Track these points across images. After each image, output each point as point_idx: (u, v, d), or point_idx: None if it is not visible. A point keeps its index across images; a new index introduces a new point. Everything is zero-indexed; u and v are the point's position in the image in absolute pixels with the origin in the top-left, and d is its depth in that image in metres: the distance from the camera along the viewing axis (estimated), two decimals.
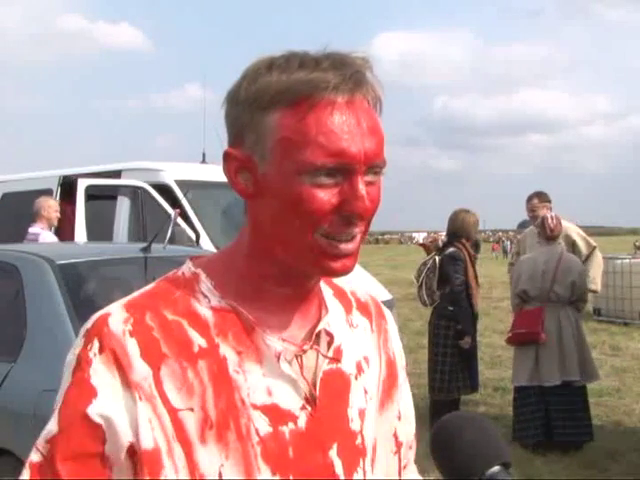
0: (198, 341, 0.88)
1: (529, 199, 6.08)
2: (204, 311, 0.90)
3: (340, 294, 1.05)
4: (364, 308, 1.07)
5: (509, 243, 48.41)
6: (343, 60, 0.86)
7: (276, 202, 0.86)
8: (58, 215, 6.40)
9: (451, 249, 5.75)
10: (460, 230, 5.79)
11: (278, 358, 0.90)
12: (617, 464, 4.89)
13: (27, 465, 0.86)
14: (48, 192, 7.85)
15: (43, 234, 6.13)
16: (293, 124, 0.84)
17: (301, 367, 0.92)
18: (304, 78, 0.84)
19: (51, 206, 6.34)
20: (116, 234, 7.47)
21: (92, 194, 7.44)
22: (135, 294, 0.92)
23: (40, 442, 0.86)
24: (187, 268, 0.95)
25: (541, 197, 6.10)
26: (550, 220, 5.21)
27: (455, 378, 5.67)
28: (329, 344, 0.96)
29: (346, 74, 0.85)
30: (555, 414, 5.08)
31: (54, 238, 6.30)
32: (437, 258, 5.83)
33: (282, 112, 0.85)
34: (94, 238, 6.90)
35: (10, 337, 3.40)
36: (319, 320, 0.96)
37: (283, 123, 0.85)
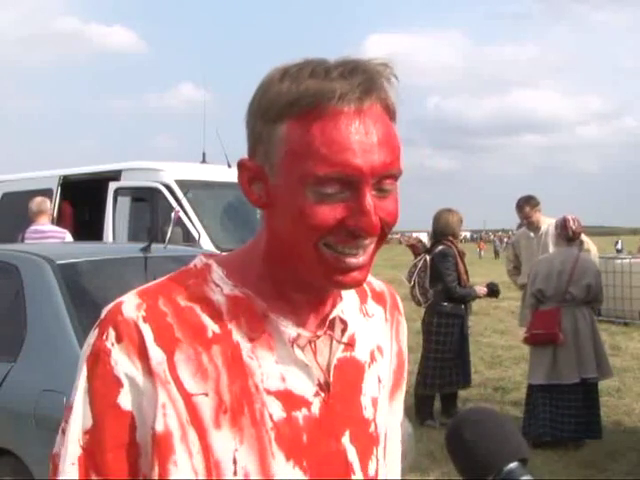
0: (212, 327, 0.89)
1: (520, 207, 6.24)
2: (217, 297, 0.90)
3: None
4: (379, 297, 1.07)
5: (500, 243, 48.50)
6: (356, 68, 0.84)
7: (285, 214, 0.86)
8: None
9: (440, 247, 5.92)
10: (445, 229, 5.96)
11: (292, 344, 0.90)
12: (617, 464, 4.89)
13: (75, 460, 0.84)
14: (48, 192, 7.86)
15: (68, 236, 6.11)
16: (299, 136, 0.83)
17: (314, 353, 0.92)
18: (311, 89, 0.82)
19: (45, 201, 6.36)
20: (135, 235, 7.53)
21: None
22: (148, 284, 0.93)
23: (78, 435, 0.85)
24: (199, 260, 0.95)
25: (532, 202, 6.25)
26: (572, 222, 5.26)
27: (443, 375, 5.80)
28: (343, 331, 0.95)
29: (354, 83, 0.82)
30: (567, 411, 5.10)
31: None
32: (427, 257, 5.98)
33: (289, 124, 0.84)
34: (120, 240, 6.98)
35: (10, 337, 3.39)
36: (333, 308, 0.95)
37: (290, 135, 0.84)
